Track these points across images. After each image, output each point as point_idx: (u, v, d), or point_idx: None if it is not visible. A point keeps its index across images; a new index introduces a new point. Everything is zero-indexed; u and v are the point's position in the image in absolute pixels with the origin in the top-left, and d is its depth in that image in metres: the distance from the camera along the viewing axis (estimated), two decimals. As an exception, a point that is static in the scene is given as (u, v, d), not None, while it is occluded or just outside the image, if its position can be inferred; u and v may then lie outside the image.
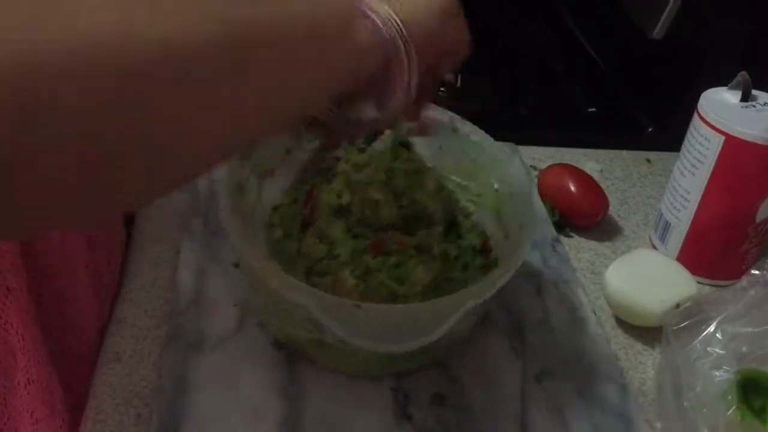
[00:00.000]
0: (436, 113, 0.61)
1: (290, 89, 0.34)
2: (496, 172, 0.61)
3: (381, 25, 0.40)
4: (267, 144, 0.58)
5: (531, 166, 0.80)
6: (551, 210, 0.72)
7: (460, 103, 0.92)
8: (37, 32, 0.24)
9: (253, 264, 0.47)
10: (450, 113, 0.62)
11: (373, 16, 0.40)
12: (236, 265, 0.59)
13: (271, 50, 0.32)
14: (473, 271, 0.58)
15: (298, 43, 0.33)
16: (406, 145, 0.60)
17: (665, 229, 0.70)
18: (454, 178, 0.64)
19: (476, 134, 0.62)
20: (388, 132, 0.62)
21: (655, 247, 0.72)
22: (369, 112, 0.47)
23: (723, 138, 0.62)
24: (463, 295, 0.47)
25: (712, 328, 0.53)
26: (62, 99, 0.24)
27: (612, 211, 0.75)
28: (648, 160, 0.86)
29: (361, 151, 0.61)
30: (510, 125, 0.89)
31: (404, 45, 0.41)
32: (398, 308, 0.51)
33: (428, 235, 0.57)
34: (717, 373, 0.51)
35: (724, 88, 0.66)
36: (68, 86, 0.24)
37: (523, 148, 0.82)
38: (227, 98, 0.30)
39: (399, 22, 0.41)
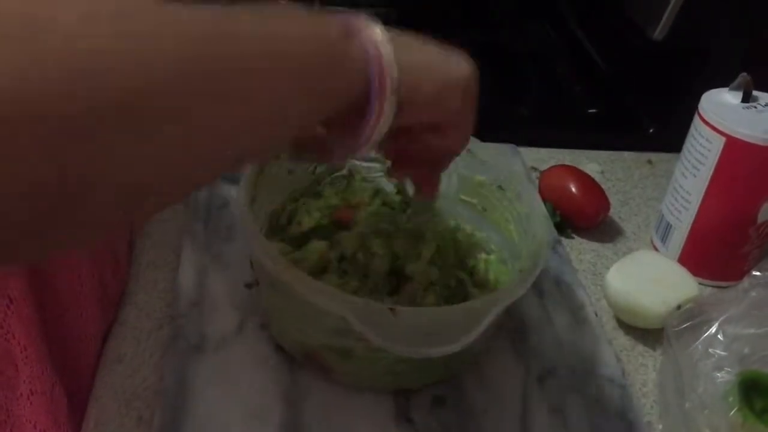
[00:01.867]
0: None
1: (277, 114, 0.33)
2: (500, 182, 0.61)
3: (376, 66, 0.38)
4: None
5: (532, 167, 0.80)
6: (552, 211, 0.72)
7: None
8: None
9: (284, 273, 0.46)
10: None
11: (373, 53, 0.38)
12: (248, 286, 0.58)
13: (260, 76, 0.31)
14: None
15: (289, 71, 0.33)
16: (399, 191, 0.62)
17: (666, 230, 0.70)
18: (461, 197, 0.63)
19: (479, 149, 0.61)
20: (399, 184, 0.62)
21: (656, 249, 0.72)
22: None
23: (724, 139, 0.62)
24: (497, 297, 0.48)
25: (713, 330, 0.53)
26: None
27: (613, 212, 0.75)
28: (649, 161, 0.86)
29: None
30: (511, 126, 0.89)
31: (388, 92, 0.39)
32: (433, 311, 0.51)
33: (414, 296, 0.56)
34: (719, 375, 0.51)
35: (725, 89, 0.66)
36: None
37: (524, 150, 0.82)
38: (208, 125, 0.29)
39: (396, 72, 0.39)
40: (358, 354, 0.49)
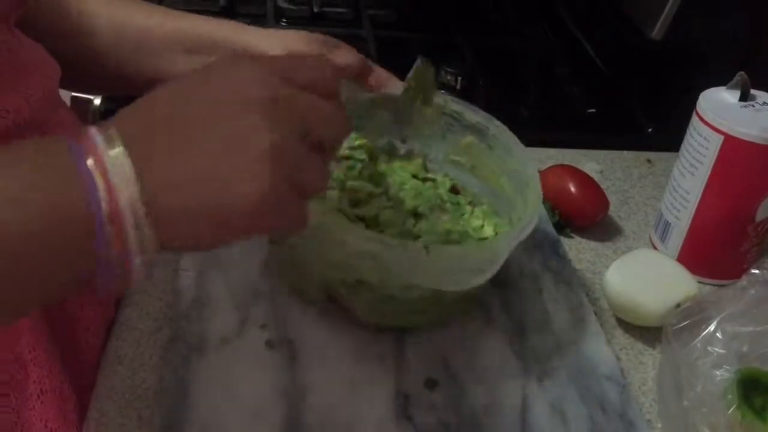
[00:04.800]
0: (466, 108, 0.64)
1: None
2: (488, 142, 0.64)
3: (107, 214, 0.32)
4: None
5: (531, 166, 0.80)
6: (552, 211, 0.72)
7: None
8: None
9: (322, 216, 0.49)
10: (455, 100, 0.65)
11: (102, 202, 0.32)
12: (272, 242, 0.59)
13: None
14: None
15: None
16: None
17: (665, 229, 0.70)
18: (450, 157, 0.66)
19: (466, 112, 0.64)
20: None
21: (655, 247, 0.72)
22: None
23: (722, 138, 0.62)
24: (510, 233, 0.53)
25: (712, 328, 0.53)
26: None
27: (612, 211, 0.75)
28: (648, 161, 0.86)
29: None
30: (510, 126, 0.88)
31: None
32: (461, 249, 0.56)
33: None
34: (718, 373, 0.51)
35: (723, 88, 0.66)
36: None
37: (523, 149, 0.82)
38: None
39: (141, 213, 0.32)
40: (367, 287, 0.52)
